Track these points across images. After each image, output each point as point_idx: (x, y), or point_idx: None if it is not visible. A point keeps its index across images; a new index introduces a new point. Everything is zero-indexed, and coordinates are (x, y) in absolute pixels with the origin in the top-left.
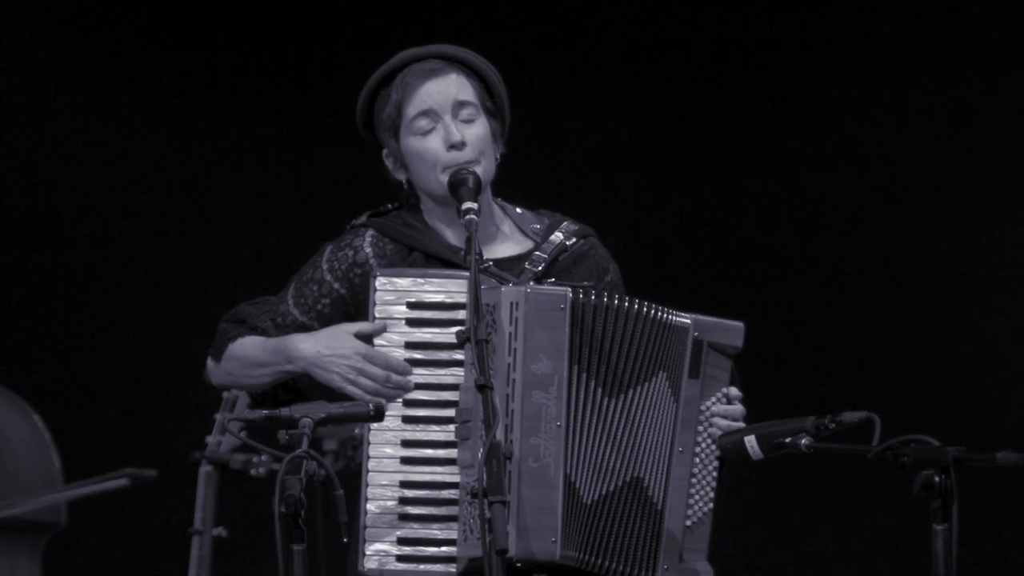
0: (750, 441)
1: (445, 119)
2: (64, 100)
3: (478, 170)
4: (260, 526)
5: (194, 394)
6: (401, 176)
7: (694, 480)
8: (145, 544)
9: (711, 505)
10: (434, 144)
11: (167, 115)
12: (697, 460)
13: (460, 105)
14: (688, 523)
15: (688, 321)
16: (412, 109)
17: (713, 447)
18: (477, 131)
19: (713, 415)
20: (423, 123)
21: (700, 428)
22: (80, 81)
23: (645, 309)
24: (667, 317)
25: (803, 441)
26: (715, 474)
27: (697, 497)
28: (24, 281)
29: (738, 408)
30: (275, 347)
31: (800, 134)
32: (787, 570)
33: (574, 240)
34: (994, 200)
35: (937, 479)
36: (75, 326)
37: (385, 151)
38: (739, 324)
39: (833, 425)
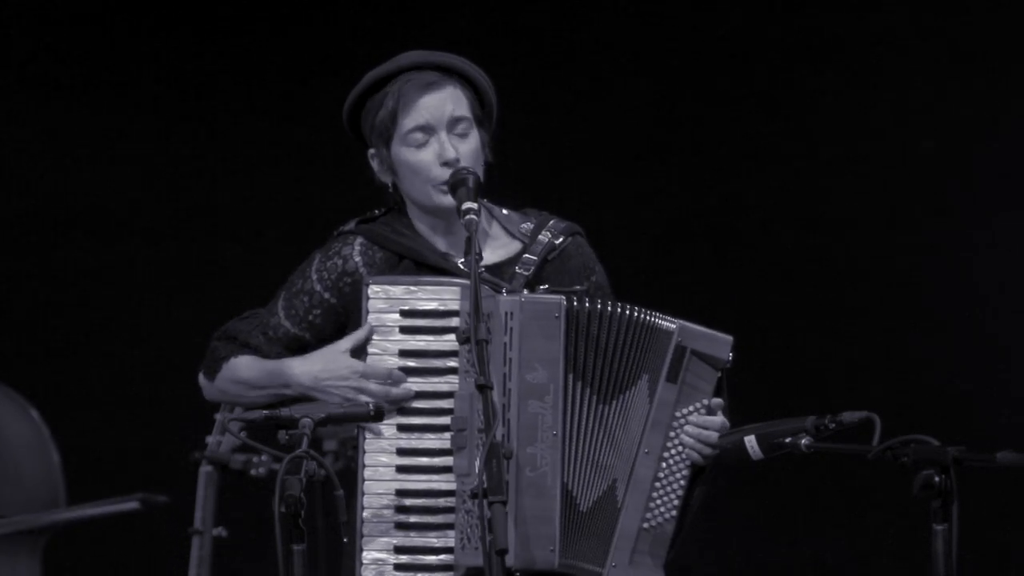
0: (750, 441)
1: (440, 135)
2: (62, 99)
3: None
4: (260, 526)
5: (194, 394)
6: (387, 179)
7: (658, 485)
8: (145, 544)
9: (674, 513)
10: (427, 158)
11: (166, 115)
12: (664, 465)
13: (456, 121)
14: (645, 525)
15: (673, 326)
16: (409, 121)
17: (684, 455)
18: (470, 146)
19: (686, 423)
20: (418, 136)
21: (672, 434)
22: (78, 81)
23: (634, 314)
24: (650, 320)
25: (803, 441)
26: (683, 483)
27: (660, 502)
28: (24, 281)
29: (715, 420)
30: (271, 370)
31: (800, 134)
32: (787, 570)
33: (562, 239)
34: (994, 200)
35: (937, 479)
36: (75, 326)
37: (372, 152)
38: (727, 337)
39: (833, 425)
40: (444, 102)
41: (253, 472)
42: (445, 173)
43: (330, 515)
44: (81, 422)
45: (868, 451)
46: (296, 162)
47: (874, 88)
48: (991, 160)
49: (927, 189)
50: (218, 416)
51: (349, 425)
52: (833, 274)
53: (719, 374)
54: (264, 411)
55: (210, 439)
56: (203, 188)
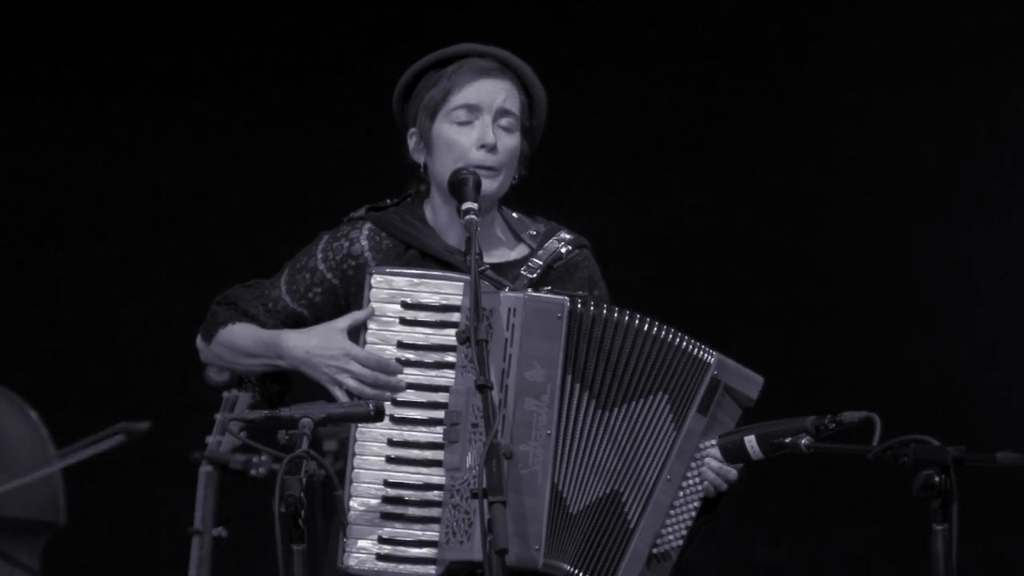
0: (750, 441)
1: (485, 119)
2: (62, 99)
3: (492, 180)
4: (260, 526)
5: (194, 395)
6: (419, 158)
7: (672, 512)
8: (145, 544)
9: (681, 542)
10: (467, 139)
11: (166, 115)
12: (681, 494)
13: (503, 112)
14: (655, 551)
15: (712, 359)
16: (458, 98)
17: (699, 486)
18: (511, 143)
19: (708, 456)
20: (463, 115)
21: (693, 465)
22: (79, 79)
23: (649, 328)
24: (685, 345)
25: (803, 441)
26: (693, 513)
27: (670, 530)
28: (24, 281)
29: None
30: (267, 341)
31: (800, 134)
32: (787, 570)
33: (569, 249)
34: (993, 200)
35: (937, 479)
36: (75, 326)
37: (412, 131)
38: (759, 378)
39: (833, 425)
40: (498, 90)
41: (253, 472)
42: (479, 157)
43: (330, 515)
44: (81, 422)
45: (868, 451)
46: (296, 162)
47: (874, 88)
48: (991, 160)
49: (927, 189)
50: (218, 416)
51: (349, 425)
52: (833, 274)
53: (741, 411)
54: (264, 411)
55: (210, 439)
56: (203, 188)
